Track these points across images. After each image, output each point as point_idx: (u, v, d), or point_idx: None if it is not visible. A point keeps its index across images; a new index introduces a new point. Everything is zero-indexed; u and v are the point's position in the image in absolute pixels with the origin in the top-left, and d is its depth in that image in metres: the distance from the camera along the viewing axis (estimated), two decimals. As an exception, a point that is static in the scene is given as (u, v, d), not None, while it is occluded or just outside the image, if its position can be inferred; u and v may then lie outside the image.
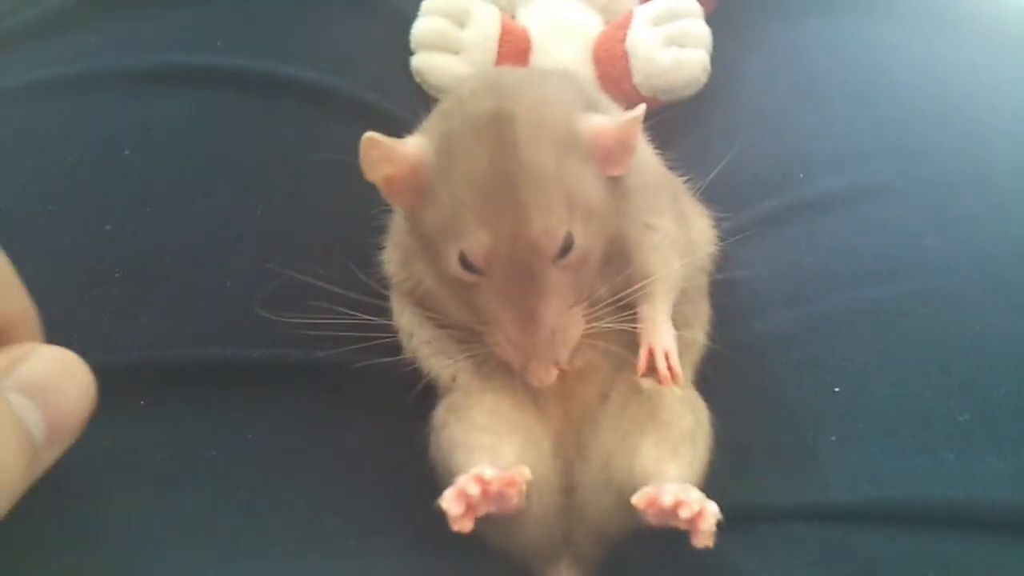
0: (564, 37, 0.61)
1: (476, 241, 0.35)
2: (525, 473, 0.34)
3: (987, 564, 0.33)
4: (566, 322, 0.37)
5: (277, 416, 0.40)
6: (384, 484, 0.41)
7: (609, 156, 0.37)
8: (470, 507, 0.33)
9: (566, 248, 0.36)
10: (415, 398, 0.41)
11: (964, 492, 0.35)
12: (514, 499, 0.35)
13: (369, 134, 0.36)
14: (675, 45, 0.58)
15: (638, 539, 0.39)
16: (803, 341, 0.42)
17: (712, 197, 0.46)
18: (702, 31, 0.59)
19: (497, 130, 0.35)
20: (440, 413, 0.40)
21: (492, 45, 0.59)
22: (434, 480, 0.38)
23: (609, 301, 0.39)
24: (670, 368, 0.38)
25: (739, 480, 0.39)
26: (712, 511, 0.33)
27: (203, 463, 0.37)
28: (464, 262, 0.36)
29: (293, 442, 0.40)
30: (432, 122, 0.39)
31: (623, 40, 0.60)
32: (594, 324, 0.38)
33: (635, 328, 0.39)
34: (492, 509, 0.34)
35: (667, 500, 0.33)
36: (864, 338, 0.41)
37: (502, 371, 0.40)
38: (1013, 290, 0.40)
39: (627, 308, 0.39)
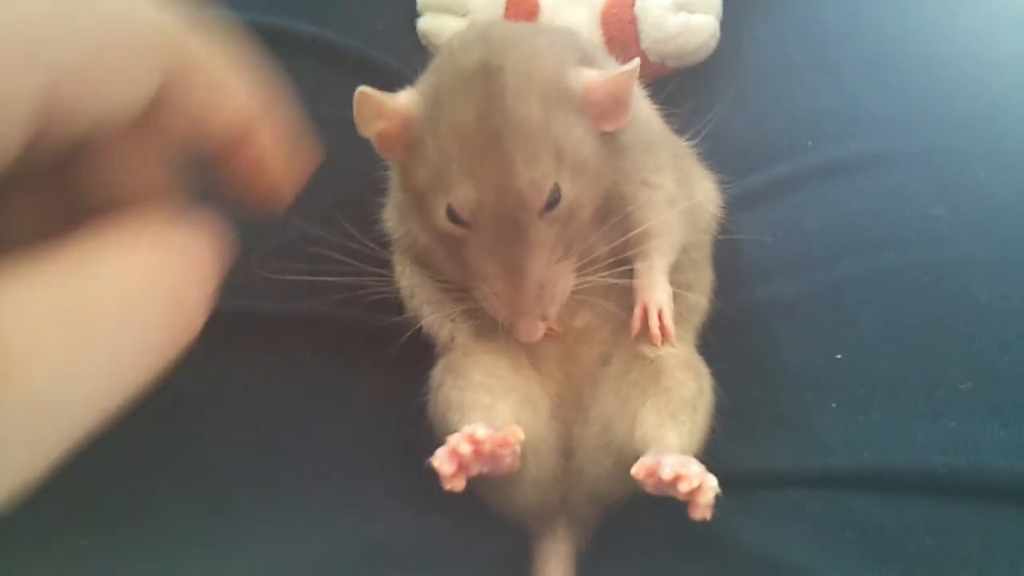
0: (572, 1, 0.60)
1: (463, 193, 0.35)
2: (518, 434, 0.34)
3: (986, 531, 0.33)
4: (554, 276, 0.36)
5: (279, 369, 0.40)
6: (385, 441, 0.41)
7: (603, 111, 0.37)
8: (462, 466, 0.33)
9: (553, 201, 0.35)
10: (418, 356, 0.41)
11: (964, 460, 0.35)
12: (507, 459, 0.35)
13: (362, 88, 0.35)
14: (684, 10, 0.57)
15: (635, 502, 0.39)
16: (807, 308, 0.42)
17: (720, 163, 0.46)
18: (712, -4, 0.58)
19: (485, 82, 0.35)
20: (438, 373, 0.40)
21: (499, 8, 0.59)
22: (433, 438, 0.38)
23: (609, 261, 0.39)
24: (663, 327, 0.38)
25: (739, 445, 0.39)
26: (711, 485, 0.33)
27: (205, 411, 0.37)
28: (451, 215, 0.35)
29: (295, 395, 0.40)
30: (424, 76, 0.39)
31: (632, 5, 0.59)
32: (586, 280, 0.38)
33: (629, 283, 0.39)
34: (485, 469, 0.34)
35: (667, 474, 0.33)
36: (868, 306, 0.41)
37: (501, 332, 0.40)
38: (1018, 260, 0.40)
39: (627, 267, 0.39)
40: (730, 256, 0.44)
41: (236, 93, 0.26)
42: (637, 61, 0.37)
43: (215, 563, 0.34)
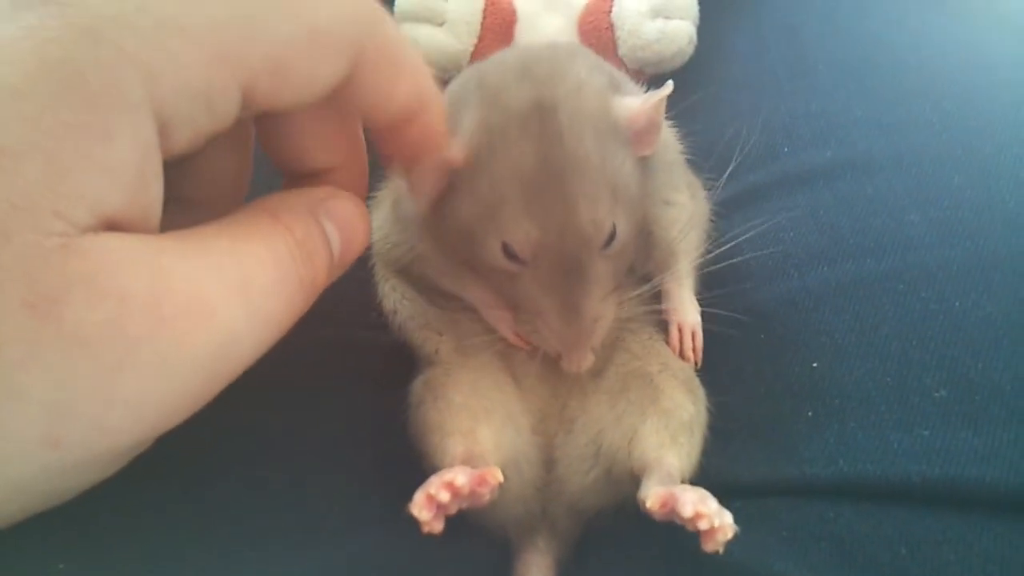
0: (549, 9, 0.60)
1: (523, 233, 0.34)
2: (497, 475, 0.34)
3: (960, 540, 0.33)
4: (605, 310, 0.37)
5: (251, 385, 0.39)
6: (362, 455, 0.41)
7: (640, 137, 0.37)
8: (440, 509, 0.33)
9: (611, 237, 0.35)
10: (396, 370, 0.42)
11: (939, 469, 0.35)
12: (486, 497, 0.35)
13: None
14: (661, 16, 0.58)
15: (613, 513, 0.39)
16: (782, 316, 0.42)
17: (696, 169, 0.46)
18: (688, 2, 0.58)
19: (540, 122, 0.34)
20: (418, 389, 0.40)
21: (477, 17, 0.59)
22: (411, 452, 0.39)
23: (635, 283, 0.39)
24: (695, 348, 0.41)
25: (714, 454, 0.39)
26: (729, 524, 0.33)
27: (178, 434, 0.37)
28: (508, 253, 0.35)
29: (269, 412, 0.39)
30: (460, 111, 0.36)
31: (609, 12, 0.59)
32: (628, 309, 0.39)
33: (658, 307, 0.41)
34: (464, 506, 0.35)
35: (688, 512, 0.33)
36: (843, 313, 0.41)
37: (484, 347, 0.40)
38: (994, 268, 0.40)
39: (648, 286, 0.40)
40: (705, 265, 0.44)
41: (411, 77, 0.31)
42: (671, 85, 0.37)
43: None
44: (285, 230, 0.29)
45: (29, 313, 0.21)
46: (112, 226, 0.24)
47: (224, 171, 0.34)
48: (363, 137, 0.35)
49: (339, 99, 0.30)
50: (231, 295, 0.26)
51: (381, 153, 0.35)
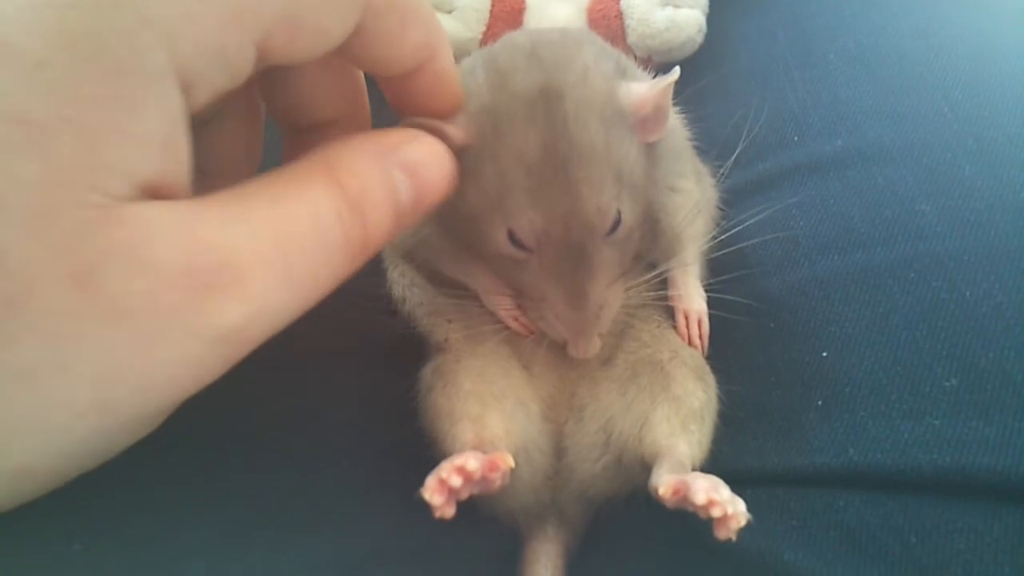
0: (558, -4, 0.60)
1: (527, 220, 0.34)
2: (508, 460, 0.35)
3: (970, 529, 0.33)
4: (611, 296, 0.37)
5: (261, 371, 0.40)
6: (372, 441, 0.41)
7: (647, 123, 0.37)
8: (451, 493, 0.33)
9: (616, 224, 0.35)
10: (406, 355, 0.42)
11: (950, 458, 0.35)
12: (497, 482, 0.35)
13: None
14: (671, 5, 0.57)
15: (624, 501, 0.39)
16: (792, 305, 0.42)
17: (706, 158, 0.46)
18: (698, -10, 0.58)
19: (546, 108, 0.34)
20: (427, 375, 0.40)
21: (485, 4, 0.59)
22: (422, 439, 0.39)
23: (642, 270, 0.39)
24: (701, 336, 0.41)
25: (724, 442, 0.39)
26: (743, 511, 0.33)
27: (188, 417, 0.37)
28: (513, 240, 0.35)
29: (279, 397, 0.39)
30: (468, 94, 0.36)
31: (618, 0, 0.59)
32: (635, 296, 0.39)
33: (665, 294, 0.41)
34: (475, 491, 0.35)
35: (700, 499, 0.33)
36: (854, 303, 0.41)
37: (493, 334, 0.40)
38: (1005, 257, 0.39)
39: (656, 274, 0.40)
40: (715, 253, 0.44)
41: (420, 26, 0.30)
42: (677, 71, 0.37)
43: (208, 570, 0.34)
44: (336, 187, 0.28)
45: (72, 285, 0.21)
46: (148, 193, 0.23)
47: (236, 139, 0.34)
48: (365, 88, 0.35)
49: (348, 49, 0.29)
50: (266, 262, 0.25)
51: (391, 104, 0.34)
